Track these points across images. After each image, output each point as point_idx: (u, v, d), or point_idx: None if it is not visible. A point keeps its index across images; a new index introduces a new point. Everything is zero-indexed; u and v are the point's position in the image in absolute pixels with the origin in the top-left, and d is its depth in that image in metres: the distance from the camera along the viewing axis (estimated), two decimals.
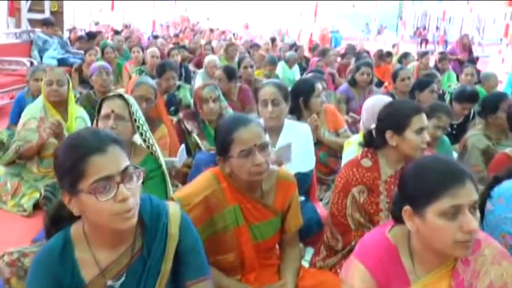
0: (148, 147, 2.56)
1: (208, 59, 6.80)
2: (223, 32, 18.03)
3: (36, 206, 3.47)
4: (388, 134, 2.34)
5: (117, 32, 12.37)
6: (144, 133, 2.54)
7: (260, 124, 2.06)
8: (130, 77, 7.52)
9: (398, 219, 1.63)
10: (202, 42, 11.51)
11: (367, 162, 2.37)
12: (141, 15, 22.11)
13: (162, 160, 2.57)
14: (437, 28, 29.16)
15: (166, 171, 2.56)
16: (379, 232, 1.69)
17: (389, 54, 9.38)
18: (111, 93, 2.55)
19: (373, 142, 2.40)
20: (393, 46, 13.57)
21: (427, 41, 25.29)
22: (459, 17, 29.48)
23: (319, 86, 3.91)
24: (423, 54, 9.56)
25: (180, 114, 3.90)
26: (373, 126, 2.54)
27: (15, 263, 2.35)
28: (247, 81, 5.64)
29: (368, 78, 5.56)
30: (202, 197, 2.03)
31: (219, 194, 2.06)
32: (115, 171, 1.40)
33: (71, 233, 1.53)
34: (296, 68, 8.89)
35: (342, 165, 3.10)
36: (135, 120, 2.51)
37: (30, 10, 9.35)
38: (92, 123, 3.81)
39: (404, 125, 2.29)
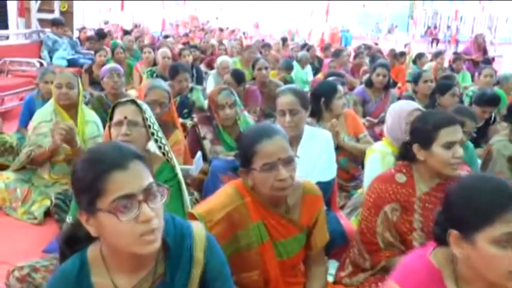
0: (163, 154, 2.44)
1: (221, 59, 6.68)
2: (233, 31, 17.94)
3: (47, 214, 3.36)
4: (416, 148, 2.20)
5: (126, 32, 12.27)
6: (159, 139, 2.42)
7: (285, 136, 1.93)
8: (141, 78, 7.45)
9: (440, 241, 1.49)
10: (213, 41, 11.43)
11: (401, 178, 2.22)
12: (150, 15, 22.05)
13: (178, 168, 2.44)
14: (448, 27, 28.92)
15: (182, 180, 2.44)
16: (421, 255, 1.55)
17: (402, 54, 9.21)
18: (123, 99, 2.42)
19: (408, 155, 2.25)
20: (405, 46, 13.43)
21: (438, 41, 25.08)
22: (471, 16, 29.20)
23: (341, 88, 3.79)
24: (437, 54, 9.40)
25: (195, 119, 3.77)
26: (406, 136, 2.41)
27: (26, 278, 2.25)
28: (261, 83, 5.50)
29: (384, 80, 5.38)
30: (224, 213, 1.90)
31: (242, 209, 1.94)
32: (137, 188, 1.28)
33: (88, 255, 1.40)
34: (308, 68, 8.76)
35: (366, 173, 3.00)
36: (149, 126, 2.39)
37: (39, 10, 9.27)
38: (104, 127, 3.71)
39: (431, 138, 2.14)
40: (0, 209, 3.51)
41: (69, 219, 2.39)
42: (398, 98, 5.62)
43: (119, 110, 2.36)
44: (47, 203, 3.38)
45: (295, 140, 2.91)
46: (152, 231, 1.28)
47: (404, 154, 2.28)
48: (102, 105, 4.35)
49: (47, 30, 8.43)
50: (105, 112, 4.27)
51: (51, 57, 8.00)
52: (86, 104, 5.65)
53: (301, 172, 2.82)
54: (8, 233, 3.22)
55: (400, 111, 2.91)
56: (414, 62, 9.21)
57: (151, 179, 1.33)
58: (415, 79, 5.07)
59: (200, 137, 3.67)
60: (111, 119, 2.39)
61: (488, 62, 9.54)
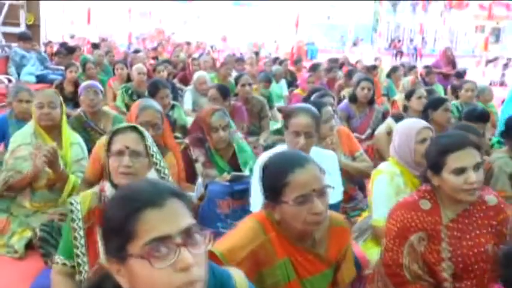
0: None
1: (198, 75, 6.49)
2: (201, 44, 17.75)
3: (28, 247, 3.08)
4: (429, 174, 2.09)
5: (95, 46, 11.92)
6: (162, 170, 2.23)
7: (317, 165, 1.77)
8: (114, 95, 7.17)
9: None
10: (182, 55, 11.19)
11: (426, 204, 2.09)
12: (116, 28, 21.64)
13: None
14: (411, 40, 29.51)
15: None
16: None
17: (374, 67, 9.22)
18: (122, 125, 2.21)
19: (429, 180, 2.12)
20: (375, 59, 13.50)
21: (402, 53, 25.50)
22: (432, 29, 29.93)
23: (328, 109, 3.59)
24: (411, 68, 9.47)
25: (187, 140, 3.57)
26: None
27: None
28: (244, 99, 5.33)
29: (369, 94, 5.30)
30: (248, 251, 1.72)
31: (268, 246, 1.76)
32: (175, 230, 1.11)
33: None
34: (283, 82, 8.66)
35: (374, 196, 2.85)
36: (152, 155, 2.19)
37: (4, 23, 8.88)
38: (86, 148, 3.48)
39: (440, 164, 2.03)
40: None
41: (59, 258, 2.15)
42: (383, 114, 5.58)
43: (119, 138, 2.15)
44: (28, 234, 3.10)
45: None
46: (192, 282, 1.09)
47: (427, 178, 2.16)
48: (81, 124, 4.09)
49: (14, 44, 8.06)
50: (85, 131, 4.03)
51: (18, 74, 7.64)
52: None
53: None
54: None
55: (409, 129, 2.79)
56: (389, 76, 9.23)
57: (191, 220, 1.15)
58: (407, 95, 5.00)
59: (192, 159, 3.47)
60: (109, 146, 2.17)
61: (460, 75, 9.66)
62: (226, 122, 3.45)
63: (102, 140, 3.06)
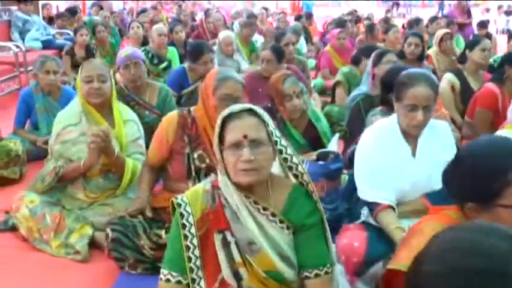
0: (296, 176, 1.76)
1: (224, 35, 5.91)
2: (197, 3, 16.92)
3: (91, 245, 2.63)
4: None
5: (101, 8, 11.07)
6: (288, 158, 1.74)
7: None
8: None
9: None
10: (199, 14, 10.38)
11: None
12: None
13: (316, 195, 1.77)
14: None
15: (324, 214, 1.77)
16: None
17: (418, 21, 8.64)
18: (236, 108, 1.70)
19: None
20: (387, 11, 12.91)
21: (398, 5, 24.76)
22: None
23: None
24: (433, 20, 8.89)
25: None
26: None
27: None
28: (287, 61, 4.78)
29: (418, 50, 4.84)
30: None
31: None
32: None
33: None
34: (302, 39, 8.10)
35: None
36: (275, 142, 1.70)
37: None
38: None
39: None
40: (25, 241, 2.73)
41: (170, 274, 1.69)
42: (432, 71, 5.09)
43: (233, 126, 1.64)
44: (88, 231, 2.64)
45: (413, 136, 2.29)
46: None
47: None
48: (122, 97, 3.54)
49: (13, 8, 7.33)
50: (129, 105, 3.50)
51: (22, 39, 6.97)
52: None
53: (423, 176, 2.26)
54: (44, 275, 2.46)
55: None
56: (411, 28, 8.66)
57: None
58: (469, 46, 4.49)
59: None
60: (220, 135, 1.67)
61: (484, 25, 9.16)
62: (300, 89, 2.99)
63: (171, 116, 2.59)
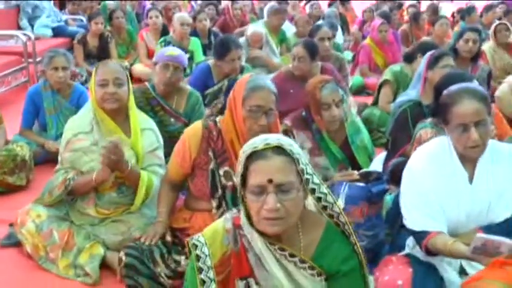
0: (331, 216, 1.70)
1: (253, 30, 5.85)
2: None
3: (102, 265, 2.63)
4: None
5: None
6: (323, 197, 1.68)
7: None
8: (148, 50, 6.61)
9: None
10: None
11: None
12: None
13: (356, 236, 1.71)
14: None
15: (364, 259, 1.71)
16: None
17: (470, 10, 8.44)
18: (260, 144, 1.60)
19: None
20: None
21: None
22: None
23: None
24: (489, 8, 8.67)
25: (288, 122, 3.02)
26: None
27: None
28: (321, 57, 4.68)
29: (475, 48, 4.67)
30: None
31: None
32: None
33: None
34: (338, 29, 7.96)
35: None
36: (307, 181, 1.63)
37: None
38: None
39: None
40: (30, 258, 2.73)
41: None
42: (489, 73, 4.93)
43: (257, 168, 1.56)
44: (100, 251, 2.64)
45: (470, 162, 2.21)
46: None
47: None
48: (148, 100, 3.51)
49: None
50: (152, 110, 3.48)
51: (32, 26, 7.04)
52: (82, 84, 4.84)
53: (481, 205, 2.18)
54: None
55: None
56: (463, 19, 8.49)
57: None
58: None
59: None
60: (243, 176, 1.61)
61: None
62: (340, 97, 2.91)
63: (194, 128, 2.57)
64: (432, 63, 3.40)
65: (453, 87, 2.27)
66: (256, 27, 5.89)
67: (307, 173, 1.63)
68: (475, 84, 2.27)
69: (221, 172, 2.47)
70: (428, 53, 3.52)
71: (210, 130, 2.50)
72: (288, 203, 1.55)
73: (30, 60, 6.01)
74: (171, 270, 2.36)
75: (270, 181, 1.53)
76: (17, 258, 2.79)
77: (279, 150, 1.59)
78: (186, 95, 3.65)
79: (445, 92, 2.29)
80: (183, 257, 2.37)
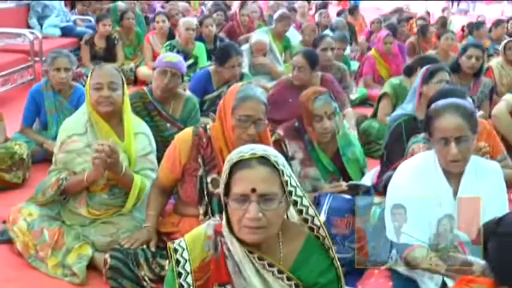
0: (311, 229, 1.73)
1: (257, 39, 5.87)
2: None
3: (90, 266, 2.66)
4: None
5: None
6: (304, 210, 1.71)
7: None
8: (154, 52, 6.68)
9: None
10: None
11: None
12: None
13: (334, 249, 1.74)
14: None
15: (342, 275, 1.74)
16: None
17: (479, 25, 8.41)
18: (245, 154, 1.64)
19: None
20: (443, 10, 12.65)
21: None
22: None
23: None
24: (498, 24, 8.64)
25: (280, 131, 3.06)
26: None
27: None
28: (323, 67, 4.72)
29: (477, 64, 4.66)
30: None
31: None
32: None
33: None
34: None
35: None
36: (290, 192, 1.66)
37: None
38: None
39: None
40: (20, 256, 2.78)
41: None
42: (492, 88, 4.94)
43: (241, 176, 1.60)
44: (88, 252, 2.68)
45: (455, 174, 2.24)
46: None
47: None
48: (144, 105, 3.57)
49: None
50: (148, 115, 3.52)
51: (41, 25, 7.14)
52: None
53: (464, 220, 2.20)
54: None
55: None
56: (471, 33, 8.49)
57: None
58: None
59: (287, 156, 2.96)
60: (227, 185, 1.64)
61: None
62: (333, 109, 2.95)
63: (185, 134, 2.62)
64: (427, 78, 3.43)
65: (439, 102, 2.31)
66: (260, 36, 5.91)
67: (290, 185, 1.66)
68: (462, 100, 2.31)
69: (209, 179, 2.51)
70: (424, 68, 3.56)
71: (200, 137, 2.55)
72: (269, 213, 1.59)
73: (36, 58, 6.09)
74: (155, 274, 2.40)
75: (254, 190, 1.57)
76: (8, 255, 2.82)
77: (264, 160, 1.63)
78: (183, 101, 3.70)
79: (432, 105, 2.34)
80: (167, 262, 2.41)
